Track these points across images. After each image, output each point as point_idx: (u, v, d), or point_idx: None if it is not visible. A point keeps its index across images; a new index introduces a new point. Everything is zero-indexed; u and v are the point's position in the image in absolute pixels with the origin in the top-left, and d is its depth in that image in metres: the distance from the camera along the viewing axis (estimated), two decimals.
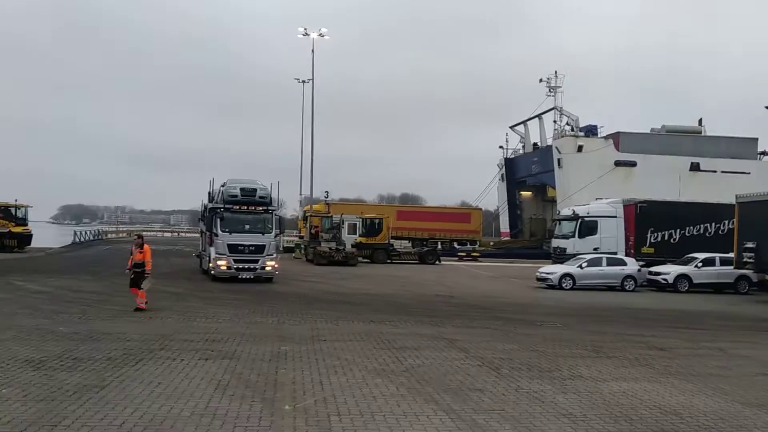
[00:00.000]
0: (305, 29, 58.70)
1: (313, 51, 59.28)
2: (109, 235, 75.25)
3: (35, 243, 47.62)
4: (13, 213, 44.46)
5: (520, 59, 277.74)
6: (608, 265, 29.58)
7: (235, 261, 26.95)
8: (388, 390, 9.25)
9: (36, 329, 13.68)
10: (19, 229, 44.39)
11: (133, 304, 18.48)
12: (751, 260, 26.41)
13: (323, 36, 59.22)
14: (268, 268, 27.42)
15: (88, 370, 9.93)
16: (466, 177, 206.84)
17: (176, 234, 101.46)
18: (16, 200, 45.06)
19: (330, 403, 8.45)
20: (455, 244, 58.26)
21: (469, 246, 57.81)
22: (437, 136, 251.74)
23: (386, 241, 47.71)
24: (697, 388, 10.01)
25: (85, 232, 63.29)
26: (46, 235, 69.37)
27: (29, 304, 17.92)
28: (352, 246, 44.68)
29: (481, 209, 65.68)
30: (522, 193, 69.54)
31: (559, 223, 35.82)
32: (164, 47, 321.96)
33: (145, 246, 18.27)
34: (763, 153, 60.54)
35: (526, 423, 7.78)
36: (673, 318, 20.06)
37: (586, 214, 33.48)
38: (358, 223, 51.03)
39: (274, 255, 28.24)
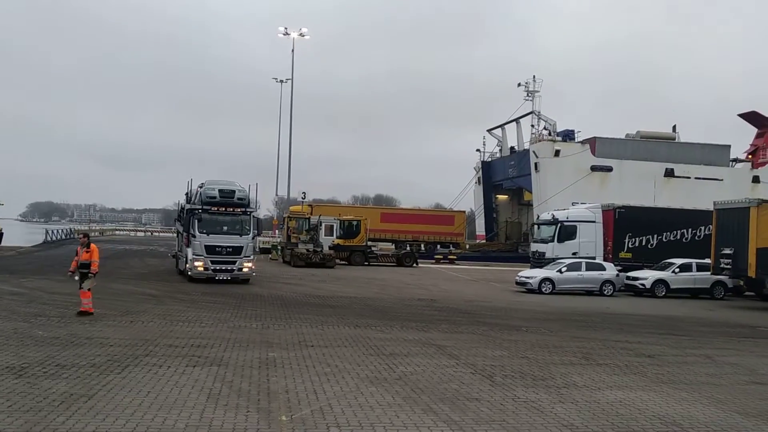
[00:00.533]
0: (285, 29, 58.48)
1: (293, 51, 59.01)
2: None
3: (4, 242, 46.49)
4: None
5: (498, 63, 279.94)
6: (587, 269, 29.77)
7: (213, 262, 26.99)
8: (384, 399, 9.09)
9: (14, 333, 13.25)
10: None
11: (111, 307, 18.10)
12: (728, 266, 26.75)
13: (303, 36, 59.02)
14: (245, 270, 27.47)
15: (73, 378, 9.61)
16: (441, 180, 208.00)
17: (150, 233, 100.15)
18: None
19: (327, 413, 8.26)
20: (438, 247, 58.52)
21: (451, 248, 58.36)
22: (413, 139, 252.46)
23: (364, 243, 47.51)
24: (693, 397, 10.02)
25: (57, 231, 62.03)
26: (15, 233, 68.06)
27: (4, 306, 17.40)
28: (330, 248, 44.43)
29: (464, 212, 65.94)
30: (498, 196, 69.79)
31: (539, 228, 35.99)
32: (139, 45, 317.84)
33: (92, 246, 17.30)
34: (736, 160, 61.58)
35: None
36: (655, 324, 20.18)
37: (566, 219, 33.67)
38: (335, 224, 50.83)
39: (251, 256, 28.27)
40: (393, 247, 53.34)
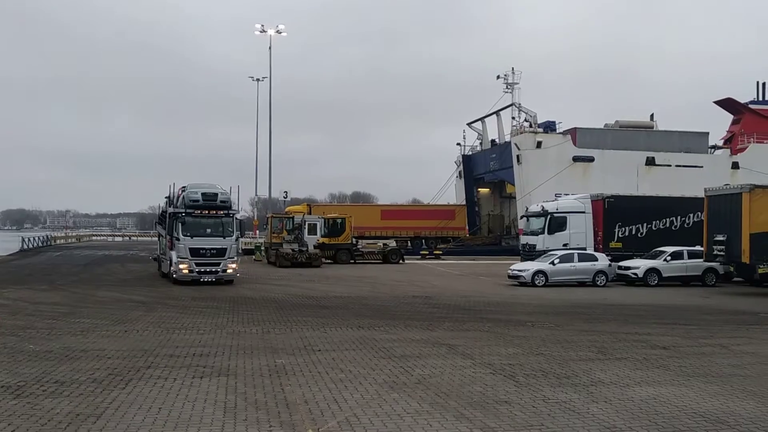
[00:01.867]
0: (262, 26, 57.66)
1: (270, 48, 58.20)
2: (59, 241, 72.27)
3: None
4: None
5: (472, 60, 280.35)
6: (580, 261, 29.55)
7: (197, 264, 27.28)
8: (410, 406, 8.62)
9: (4, 348, 12.56)
10: None
11: (101, 316, 17.45)
12: (721, 253, 26.68)
13: (280, 33, 58.17)
14: (229, 271, 27.93)
15: (76, 395, 9.00)
16: (418, 176, 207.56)
17: (128, 238, 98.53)
18: None
19: (355, 425, 7.77)
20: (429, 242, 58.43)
21: (451, 243, 58.85)
22: (389, 136, 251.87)
23: (349, 241, 46.98)
24: (726, 390, 9.69)
25: (34, 239, 60.55)
26: None
27: None
28: (315, 247, 43.85)
29: (465, 206, 65.56)
30: (480, 190, 69.51)
31: (528, 220, 35.70)
32: (109, 48, 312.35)
33: None
34: (714, 147, 62.00)
35: None
36: (658, 314, 19.95)
37: (555, 210, 33.41)
38: (319, 223, 50.25)
39: (235, 258, 28.68)
40: (395, 243, 53.16)
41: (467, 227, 64.47)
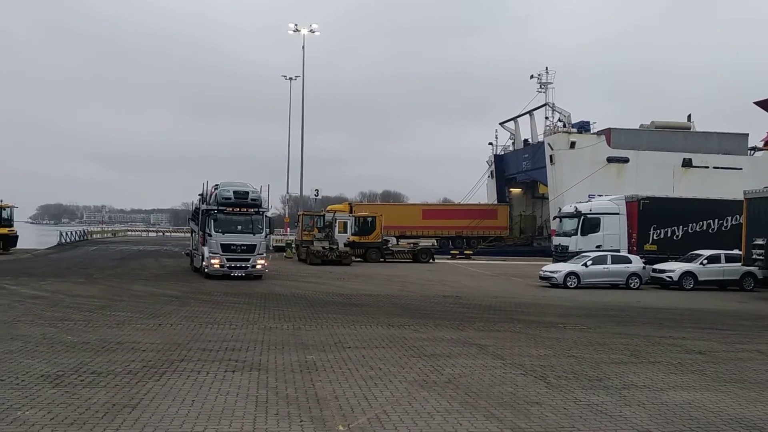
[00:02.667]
0: (295, 25, 57.92)
1: (303, 47, 58.51)
2: (95, 236, 73.67)
3: (18, 245, 46.24)
4: None
5: (504, 58, 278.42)
6: (613, 263, 29.15)
7: (228, 260, 28.32)
8: (440, 405, 8.61)
9: (43, 338, 12.86)
10: (4, 231, 42.99)
11: (136, 310, 17.75)
12: (760, 257, 26.10)
13: (314, 32, 58.41)
14: (258, 266, 28.95)
15: (112, 386, 9.18)
16: (449, 175, 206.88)
17: (162, 233, 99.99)
18: (0, 201, 43.66)
19: (385, 422, 7.79)
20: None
21: (493, 242, 59.22)
22: (420, 135, 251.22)
23: (380, 240, 47.03)
24: (763, 397, 9.49)
25: (71, 233, 61.79)
26: (27, 236, 67.92)
27: (29, 311, 17.01)
28: (345, 245, 44.04)
29: (507, 205, 65.19)
30: (512, 190, 69.02)
31: (561, 221, 35.35)
32: (146, 47, 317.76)
33: None
34: (754, 149, 60.63)
35: None
36: (693, 318, 19.62)
37: (589, 211, 33.03)
38: (349, 221, 50.44)
39: (264, 254, 29.85)
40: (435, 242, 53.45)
41: (509, 226, 63.87)
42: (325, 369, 10.71)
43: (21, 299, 19.63)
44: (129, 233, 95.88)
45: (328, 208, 56.04)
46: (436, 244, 50.32)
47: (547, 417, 8.14)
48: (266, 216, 29.79)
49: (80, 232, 66.97)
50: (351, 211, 51.19)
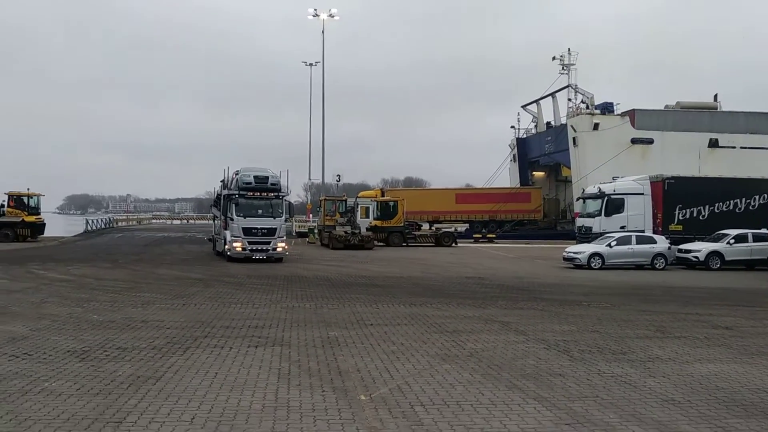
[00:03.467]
0: (315, 10, 57.71)
1: (323, 32, 58.38)
2: (120, 224, 74.60)
3: (46, 233, 46.94)
4: (26, 202, 43.67)
5: (521, 42, 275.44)
6: (638, 243, 28.82)
7: (249, 243, 29.00)
8: (462, 377, 8.59)
9: (70, 317, 13.06)
10: (32, 219, 43.60)
11: (160, 291, 17.94)
12: None
13: (333, 17, 58.23)
14: (279, 249, 29.60)
15: (137, 360, 9.30)
16: (471, 160, 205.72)
17: (186, 221, 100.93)
18: (28, 189, 44.31)
19: (407, 392, 7.79)
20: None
21: (528, 225, 59.17)
22: (440, 120, 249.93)
23: (402, 224, 46.98)
24: None
25: (97, 221, 62.65)
26: (55, 225, 68.85)
27: (55, 292, 17.30)
28: (367, 229, 44.09)
29: (540, 188, 64.60)
30: (535, 173, 68.36)
31: (584, 202, 34.99)
32: (166, 37, 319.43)
33: None
34: None
35: (629, 410, 7.11)
36: (720, 296, 19.36)
37: (613, 192, 32.64)
38: (371, 206, 50.47)
39: (284, 237, 30.46)
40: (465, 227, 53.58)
41: (543, 210, 63.28)
42: (347, 344, 10.74)
43: (48, 282, 19.96)
44: (153, 221, 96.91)
45: (360, 194, 55.98)
46: (469, 228, 50.37)
47: (570, 387, 8.08)
48: (286, 200, 30.37)
49: (106, 220, 67.88)
50: (383, 196, 51.30)
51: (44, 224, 45.65)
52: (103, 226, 62.19)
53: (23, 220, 42.95)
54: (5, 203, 43.02)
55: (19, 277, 21.20)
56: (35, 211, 44.52)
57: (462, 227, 57.05)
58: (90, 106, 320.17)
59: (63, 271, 23.54)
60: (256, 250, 28.97)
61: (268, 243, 29.19)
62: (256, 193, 29.34)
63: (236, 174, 30.38)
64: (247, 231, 28.97)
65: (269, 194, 29.58)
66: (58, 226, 69.22)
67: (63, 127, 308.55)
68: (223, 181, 33.03)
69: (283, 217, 30.06)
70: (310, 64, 62.64)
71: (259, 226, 29.07)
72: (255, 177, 29.54)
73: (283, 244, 29.87)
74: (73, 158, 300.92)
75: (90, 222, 59.77)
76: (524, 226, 59.53)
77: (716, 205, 31.73)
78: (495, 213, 59.14)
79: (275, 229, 29.39)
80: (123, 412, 6.77)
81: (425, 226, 52.44)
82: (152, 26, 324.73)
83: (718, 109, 59.37)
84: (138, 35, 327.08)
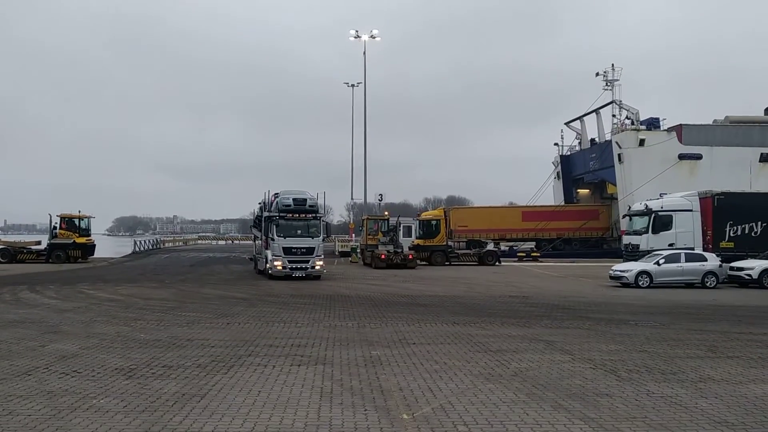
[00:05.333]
0: (356, 31, 58.41)
1: (365, 53, 58.97)
2: (167, 244, 76.12)
3: (96, 254, 48.16)
4: (77, 224, 44.97)
5: (564, 57, 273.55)
6: (687, 261, 28.07)
7: (290, 261, 30.40)
8: (506, 396, 8.46)
9: (117, 336, 13.33)
10: (82, 240, 44.87)
11: (205, 310, 18.18)
12: None
13: (375, 37, 58.83)
14: (317, 267, 30.92)
15: (182, 378, 9.42)
16: (513, 177, 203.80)
17: (231, 241, 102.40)
18: (79, 211, 45.62)
19: (450, 411, 7.70)
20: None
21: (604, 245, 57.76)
22: (482, 139, 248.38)
23: (444, 243, 46.79)
24: None
25: (144, 242, 64.06)
26: (105, 247, 70.70)
27: (104, 312, 17.70)
28: (410, 248, 44.02)
29: (609, 206, 63.42)
30: (579, 190, 67.45)
31: (631, 219, 34.32)
32: (211, 61, 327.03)
33: None
34: None
35: None
36: None
37: (660, 209, 31.94)
38: (414, 225, 50.48)
39: (322, 256, 31.79)
40: (532, 245, 53.15)
41: (612, 227, 62.04)
42: (390, 363, 10.69)
43: (98, 302, 20.43)
44: (199, 242, 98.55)
45: (422, 215, 56.02)
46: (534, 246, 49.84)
47: (618, 408, 7.87)
48: (323, 220, 31.86)
49: (153, 241, 69.29)
50: (446, 216, 51.45)
51: (94, 245, 46.87)
52: (150, 247, 63.52)
53: (74, 241, 44.20)
54: (57, 225, 44.33)
55: (70, 297, 21.76)
56: (86, 232, 45.76)
57: (528, 245, 56.78)
58: (139, 128, 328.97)
59: (111, 291, 24.08)
60: (296, 269, 30.25)
61: (307, 261, 30.47)
62: (295, 214, 30.76)
63: (276, 196, 31.73)
64: (287, 250, 30.35)
65: (307, 215, 30.99)
66: (107, 248, 71.07)
67: (113, 150, 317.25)
68: (263, 202, 34.35)
69: (321, 237, 31.30)
70: (352, 85, 63.30)
71: (298, 246, 30.43)
72: (294, 199, 30.93)
73: (321, 263, 31.10)
74: (122, 180, 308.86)
75: (138, 243, 61.14)
76: (593, 243, 57.91)
77: None
78: (563, 231, 57.98)
79: (314, 248, 30.69)
80: (168, 430, 6.86)
81: (490, 245, 52.35)
82: (197, 51, 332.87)
83: None
84: (184, 56, 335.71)
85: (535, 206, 63.25)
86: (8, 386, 8.86)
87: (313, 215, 31.20)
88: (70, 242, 43.98)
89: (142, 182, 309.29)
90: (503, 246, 56.96)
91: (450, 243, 50.77)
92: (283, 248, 30.34)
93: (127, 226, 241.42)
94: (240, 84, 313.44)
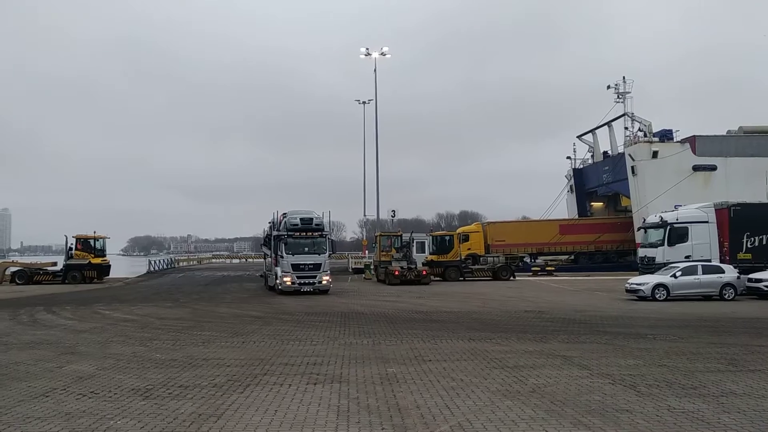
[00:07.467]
0: (367, 49, 58.77)
1: (375, 70, 59.28)
2: (181, 264, 76.44)
3: (111, 274, 48.44)
4: (92, 245, 45.29)
5: (572, 70, 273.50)
6: (704, 273, 27.76)
7: (298, 277, 32.25)
8: (524, 413, 8.37)
9: (134, 356, 13.35)
10: (98, 261, 45.15)
11: (220, 329, 18.18)
12: None
13: (385, 55, 59.14)
14: (324, 282, 32.75)
15: (198, 398, 9.40)
16: (525, 192, 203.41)
17: (244, 260, 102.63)
18: (94, 232, 45.96)
19: (468, 429, 7.63)
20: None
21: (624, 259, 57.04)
22: (492, 153, 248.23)
23: (458, 258, 46.66)
24: None
25: (159, 261, 64.38)
26: (120, 266, 71.09)
27: (120, 332, 17.75)
28: (423, 264, 43.93)
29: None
30: (593, 204, 67.20)
31: (646, 232, 34.06)
32: (222, 82, 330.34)
33: None
34: None
35: None
36: None
37: (675, 221, 31.69)
38: (427, 241, 50.41)
39: (328, 271, 33.58)
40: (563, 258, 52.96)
41: None
42: (406, 381, 10.62)
43: (113, 322, 20.49)
44: (213, 261, 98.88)
45: (459, 231, 56.13)
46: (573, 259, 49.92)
47: (638, 424, 7.76)
48: (329, 238, 33.85)
49: (168, 260, 69.63)
50: (483, 231, 51.64)
51: (110, 266, 47.16)
52: (165, 266, 63.84)
53: (90, 262, 44.50)
54: (73, 246, 44.66)
55: (86, 318, 21.86)
56: (101, 253, 46.07)
57: (564, 258, 57.31)
58: (152, 148, 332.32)
59: (127, 311, 24.17)
60: (304, 284, 32.11)
61: (315, 276, 32.41)
62: (302, 233, 32.76)
63: (284, 216, 33.73)
64: (295, 267, 32.20)
65: (314, 233, 33.03)
66: (122, 268, 71.41)
67: (128, 172, 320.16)
68: (272, 222, 36.14)
69: (327, 253, 33.24)
70: (363, 102, 63.57)
71: (306, 262, 32.35)
72: (301, 219, 33.04)
73: (327, 278, 32.99)
74: (136, 200, 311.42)
75: (153, 263, 61.47)
76: (628, 256, 57.50)
77: None
78: (600, 244, 57.59)
79: (320, 264, 32.59)
80: None
81: (526, 259, 52.22)
82: (208, 74, 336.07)
83: None
84: (194, 80, 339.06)
85: (572, 219, 63.01)
86: (26, 408, 8.89)
87: (320, 233, 33.12)
88: (85, 263, 44.28)
89: (157, 203, 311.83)
90: (540, 260, 57.42)
91: (489, 258, 51.07)
92: (292, 265, 32.11)
93: (141, 245, 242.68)
94: (252, 106, 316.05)
